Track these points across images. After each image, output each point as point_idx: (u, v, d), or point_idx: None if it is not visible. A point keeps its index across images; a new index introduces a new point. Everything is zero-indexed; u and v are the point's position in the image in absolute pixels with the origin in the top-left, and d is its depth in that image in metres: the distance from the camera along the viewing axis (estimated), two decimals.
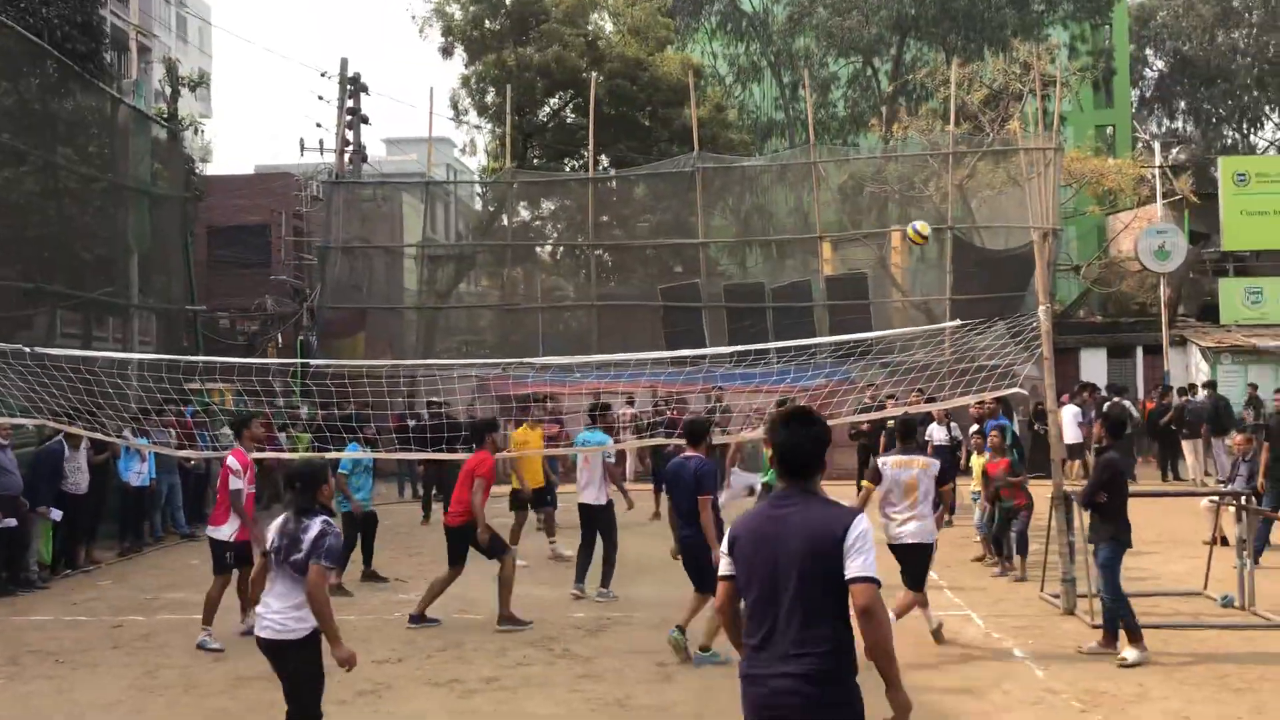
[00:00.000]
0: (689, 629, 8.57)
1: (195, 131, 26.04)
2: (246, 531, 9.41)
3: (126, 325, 17.89)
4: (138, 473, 14.50)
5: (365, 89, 28.99)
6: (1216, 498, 11.99)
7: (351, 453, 12.27)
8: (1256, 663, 8.22)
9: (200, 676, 8.40)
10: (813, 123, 26.86)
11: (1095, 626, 9.28)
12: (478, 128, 34.63)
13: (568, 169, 30.10)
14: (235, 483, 9.41)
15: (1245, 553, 9.96)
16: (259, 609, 5.86)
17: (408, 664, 8.64)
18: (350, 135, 28.76)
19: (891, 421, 17.29)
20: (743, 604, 4.19)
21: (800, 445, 4.16)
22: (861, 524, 3.96)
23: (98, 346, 16.66)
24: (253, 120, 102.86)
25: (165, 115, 18.97)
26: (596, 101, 25.79)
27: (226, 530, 9.44)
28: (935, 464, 9.12)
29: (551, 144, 30.53)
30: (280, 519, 5.93)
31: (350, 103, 28.39)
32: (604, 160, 29.33)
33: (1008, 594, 10.92)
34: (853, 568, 3.90)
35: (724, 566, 4.22)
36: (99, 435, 12.31)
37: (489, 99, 30.39)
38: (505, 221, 27.79)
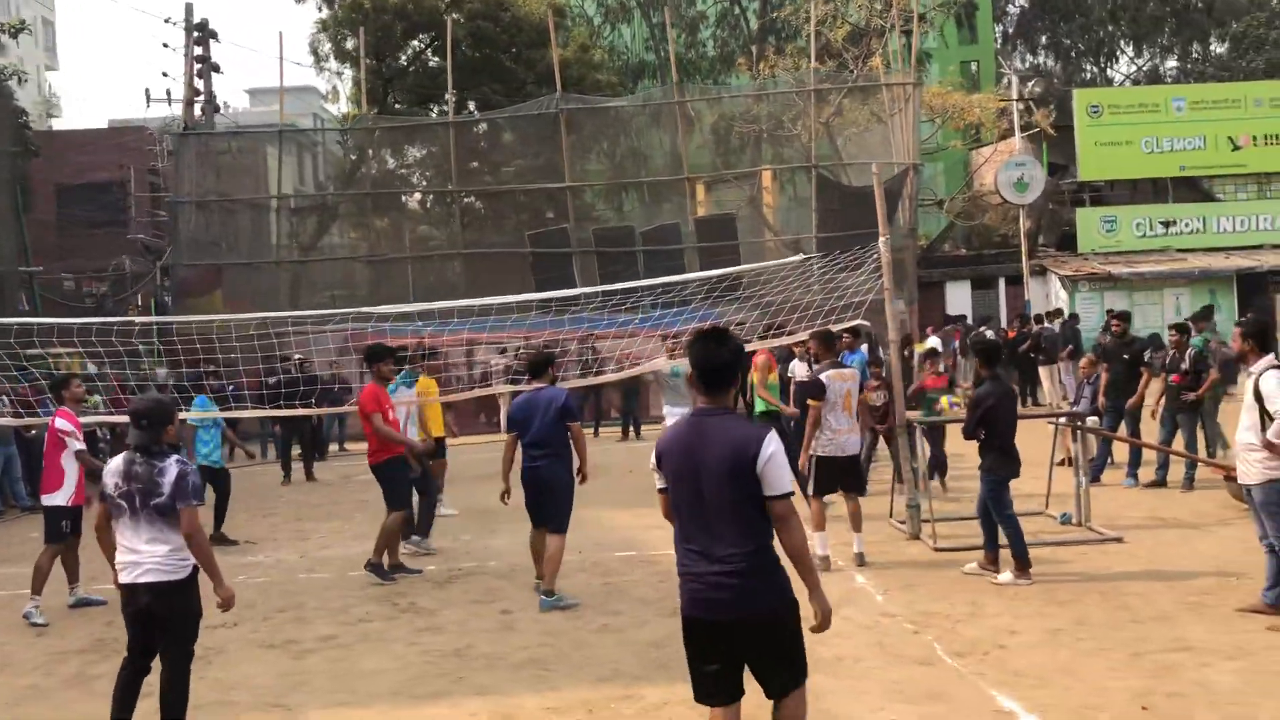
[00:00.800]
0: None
1: (20, 82, 24.50)
2: (83, 496, 9.11)
3: None
4: None
5: (214, 35, 27.81)
6: (1064, 419, 12.29)
7: (200, 409, 11.93)
8: (1084, 579, 8.45)
9: (17, 654, 7.98)
10: (676, 62, 26.63)
11: (938, 550, 9.49)
12: (339, 74, 33.68)
13: (434, 115, 29.35)
14: (75, 444, 9.12)
15: (1082, 471, 10.24)
16: (126, 556, 5.60)
17: (243, 627, 8.34)
18: (201, 84, 27.55)
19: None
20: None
21: (716, 360, 4.50)
22: (773, 443, 4.33)
23: None
24: (105, 72, 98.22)
25: None
26: (456, 43, 25.13)
27: (62, 496, 9.12)
28: (857, 374, 9.94)
29: (414, 88, 29.72)
30: (120, 461, 5.69)
31: (199, 50, 27.15)
32: (471, 106, 28.67)
33: None
34: (768, 486, 4.32)
35: (658, 480, 4.60)
36: None
37: (348, 44, 29.43)
38: (369, 170, 27.05)
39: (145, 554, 5.57)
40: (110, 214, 29.95)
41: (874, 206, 10.05)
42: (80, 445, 9.17)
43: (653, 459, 4.62)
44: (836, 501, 9.81)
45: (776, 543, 4.42)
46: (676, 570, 4.52)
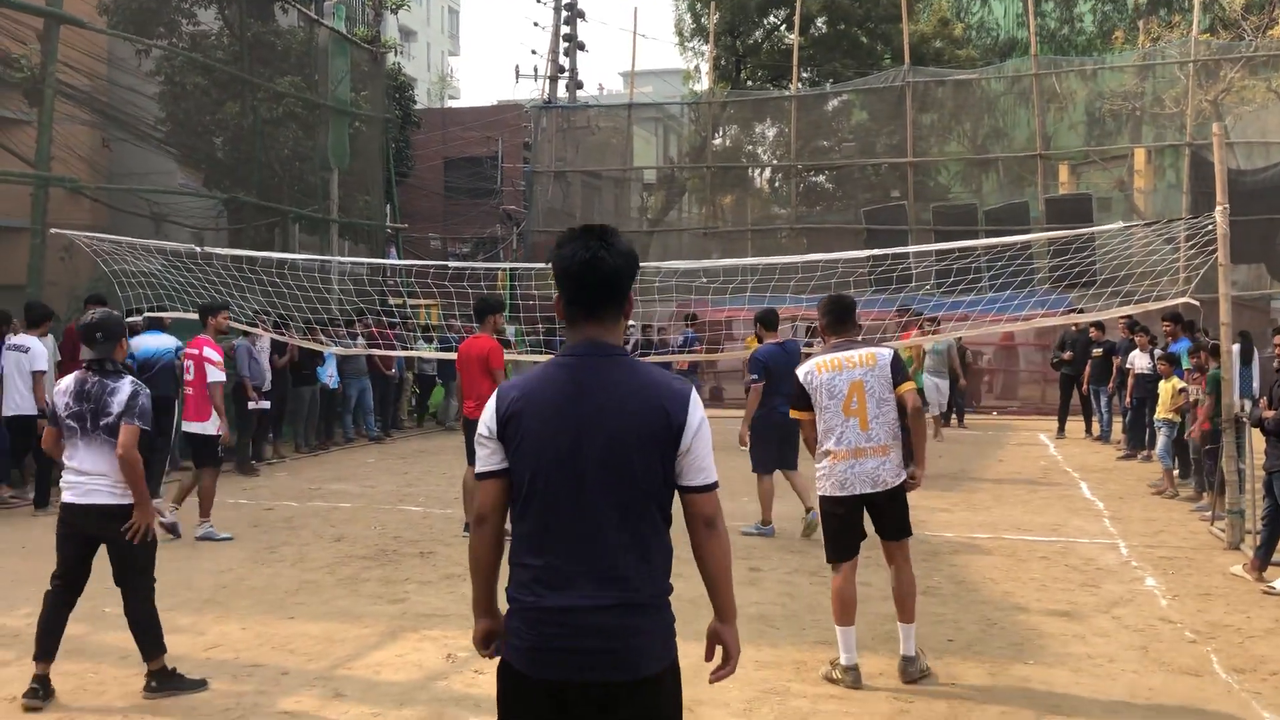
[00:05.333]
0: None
1: (397, 53, 26.93)
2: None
3: (325, 241, 18.90)
4: (330, 375, 15.40)
5: (582, 15, 29.23)
6: None
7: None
8: None
9: (312, 553, 8.81)
10: (1046, 37, 24.94)
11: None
12: (700, 53, 34.44)
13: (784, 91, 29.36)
14: (216, 374, 9.38)
15: None
16: (73, 477, 5.40)
17: None
18: (566, 62, 29.10)
19: (1098, 350, 16.09)
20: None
21: (604, 268, 2.89)
22: (699, 404, 2.90)
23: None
24: (498, 55, 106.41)
25: (367, 39, 19.70)
26: (810, 18, 24.90)
27: (212, 425, 9.36)
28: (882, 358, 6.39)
29: (766, 65, 29.79)
30: (71, 380, 5.49)
31: (565, 29, 28.66)
32: (828, 86, 28.37)
33: (1173, 525, 9.89)
34: (695, 467, 2.87)
35: (488, 457, 2.92)
36: (287, 339, 13.18)
37: (705, 21, 30.01)
38: (716, 144, 27.46)
39: (91, 475, 5.35)
40: (485, 185, 32.56)
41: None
42: (222, 376, 9.44)
43: (488, 419, 2.91)
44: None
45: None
46: (508, 601, 2.91)
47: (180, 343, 11.87)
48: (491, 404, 2.95)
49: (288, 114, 18.28)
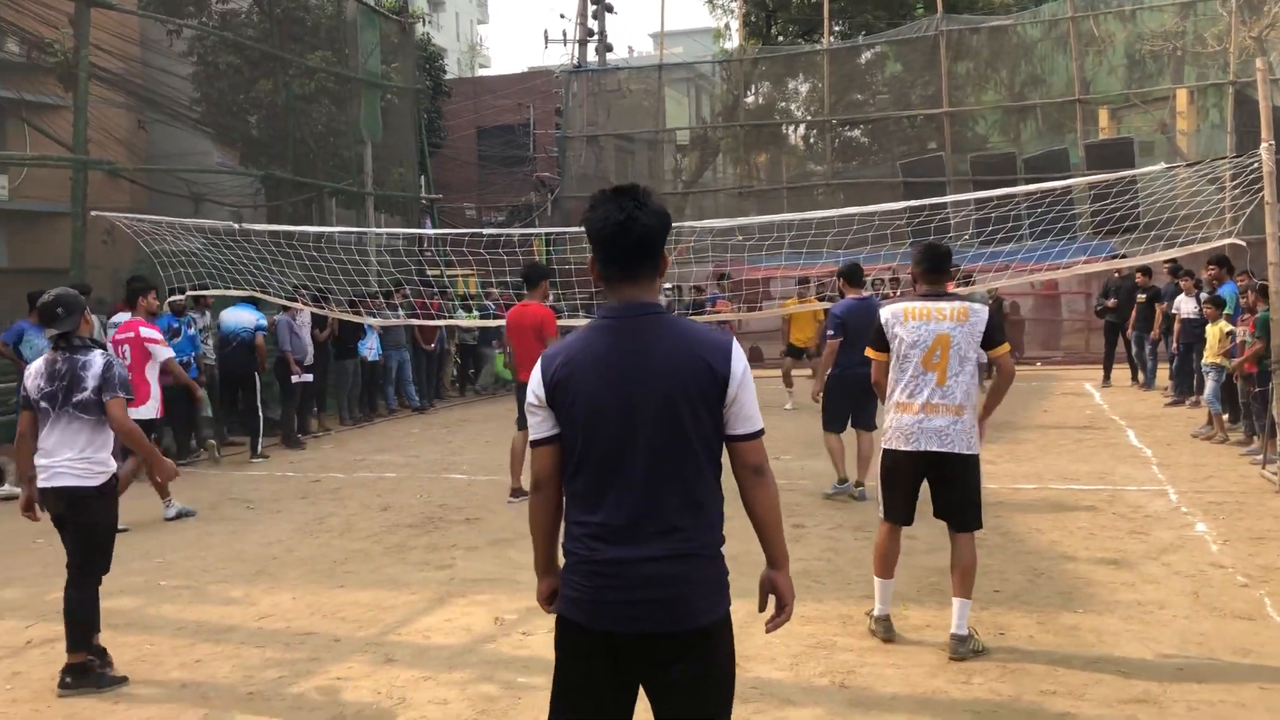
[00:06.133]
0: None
1: (425, 23, 26.87)
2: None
3: (361, 214, 19.00)
4: (370, 348, 15.52)
5: None
6: None
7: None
8: None
9: (359, 523, 8.91)
10: None
11: None
12: (729, 10, 34.05)
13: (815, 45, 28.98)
14: (163, 350, 9.11)
15: None
16: (41, 460, 5.28)
17: None
18: (595, 25, 28.90)
19: (1142, 296, 15.85)
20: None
21: (638, 229, 2.88)
22: (742, 354, 2.93)
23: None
24: (528, 22, 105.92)
25: (395, 10, 19.68)
26: None
27: (150, 410, 8.94)
28: (971, 312, 5.66)
29: (797, 19, 29.40)
30: (40, 363, 5.37)
31: None
32: (860, 39, 27.95)
33: (1223, 470, 9.77)
34: (742, 416, 2.90)
35: (539, 424, 2.97)
36: (329, 312, 13.28)
37: None
38: (749, 102, 27.20)
39: (56, 457, 5.23)
40: (521, 154, 32.53)
41: None
42: (169, 351, 9.23)
43: (536, 388, 2.95)
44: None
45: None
46: (565, 556, 2.97)
47: (263, 320, 12.24)
48: (537, 372, 2.97)
49: (319, 89, 18.34)
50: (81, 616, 5.23)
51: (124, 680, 5.29)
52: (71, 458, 5.22)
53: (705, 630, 2.87)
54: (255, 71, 18.26)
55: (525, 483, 9.59)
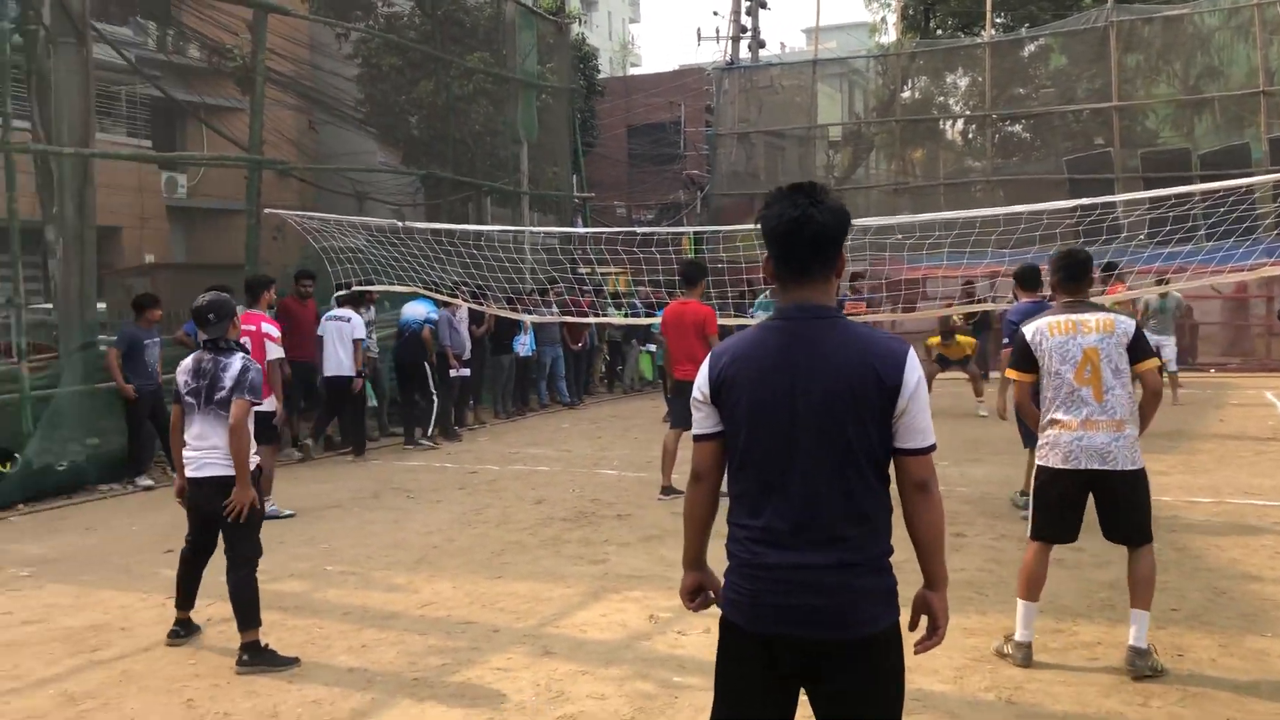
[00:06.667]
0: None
1: (581, 23, 27.15)
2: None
3: (516, 213, 19.34)
4: (523, 343, 15.80)
5: None
6: None
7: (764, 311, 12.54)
8: None
9: (515, 515, 9.06)
10: None
11: None
12: (888, 4, 33.45)
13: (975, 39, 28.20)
14: (275, 350, 9.06)
15: None
16: (189, 452, 5.63)
17: None
18: (748, 22, 28.75)
19: None
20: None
21: (813, 227, 2.79)
22: (917, 364, 2.79)
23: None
24: (682, 19, 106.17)
25: (551, 10, 19.98)
26: None
27: (269, 403, 8.56)
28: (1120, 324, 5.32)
29: (957, 12, 28.65)
30: (190, 360, 5.75)
31: None
32: (1023, 31, 27.07)
33: None
34: (911, 430, 2.78)
35: (702, 420, 2.95)
36: (485, 309, 13.59)
37: None
38: (905, 96, 26.64)
39: (204, 449, 5.57)
40: (668, 150, 32.65)
41: None
42: (280, 352, 9.11)
43: (702, 384, 2.92)
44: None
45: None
46: (728, 558, 2.91)
47: (434, 314, 12.72)
48: (704, 368, 2.94)
49: (477, 90, 18.74)
50: (243, 598, 5.50)
51: (296, 661, 5.49)
52: (216, 447, 5.56)
53: (869, 640, 2.77)
54: (416, 73, 18.78)
55: (676, 481, 9.64)
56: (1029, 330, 5.38)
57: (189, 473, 5.63)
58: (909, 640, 2.92)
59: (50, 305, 12.62)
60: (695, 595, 3.08)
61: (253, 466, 5.65)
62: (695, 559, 3.10)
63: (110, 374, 10.68)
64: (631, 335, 18.92)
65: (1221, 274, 13.05)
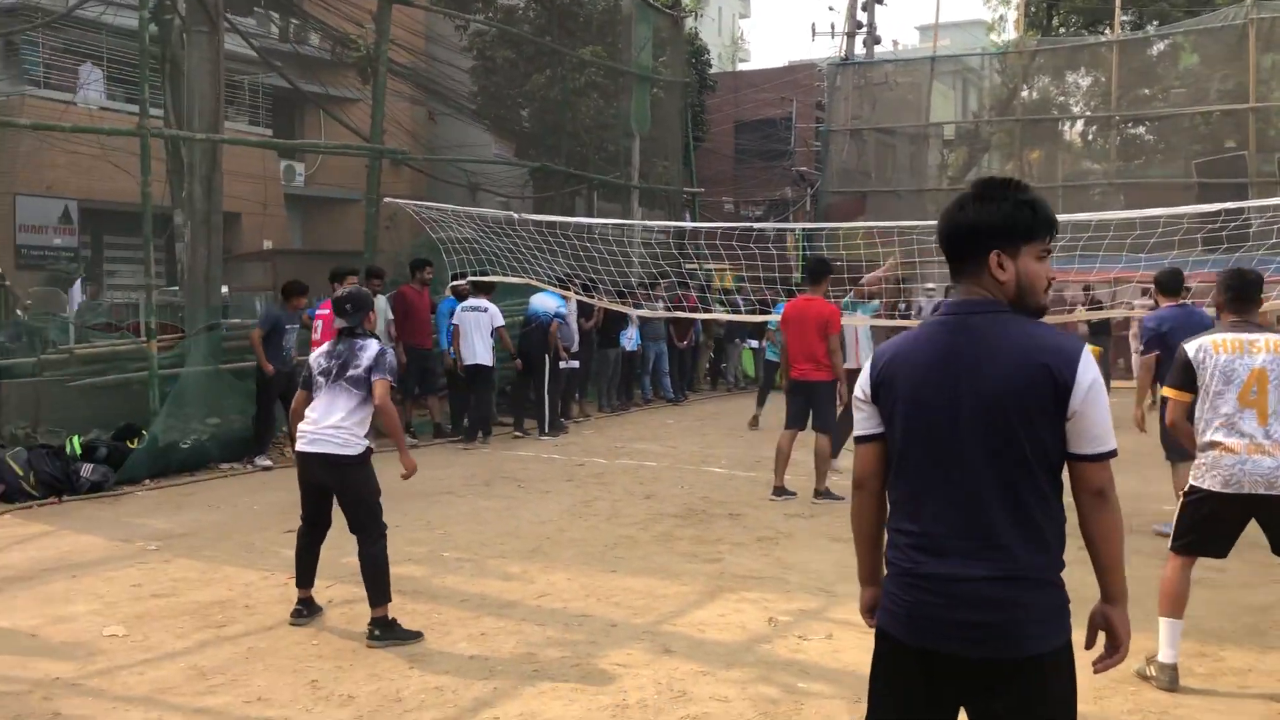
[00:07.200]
0: None
1: (696, 18, 27.01)
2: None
3: (625, 207, 19.33)
4: (629, 338, 15.77)
5: None
6: None
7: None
8: None
9: (625, 509, 9.01)
10: None
11: None
12: (1008, 1, 32.69)
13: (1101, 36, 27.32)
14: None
15: None
16: (305, 426, 5.77)
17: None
18: (864, 18, 28.32)
19: None
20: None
21: (963, 219, 2.71)
22: (1092, 363, 2.60)
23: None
24: (792, 15, 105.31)
25: (667, 4, 19.89)
26: None
27: None
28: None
29: (1081, 10, 27.80)
30: (327, 344, 5.97)
31: None
32: (1151, 28, 26.15)
33: None
34: (1087, 434, 2.60)
35: (863, 421, 2.83)
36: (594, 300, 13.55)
37: None
38: (1024, 95, 25.94)
39: (319, 423, 5.69)
40: (781, 148, 32.36)
41: None
42: None
43: (864, 383, 2.81)
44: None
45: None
46: (886, 565, 2.78)
47: (563, 308, 12.83)
48: (867, 367, 2.83)
49: (589, 83, 18.77)
50: (372, 572, 5.62)
51: (419, 635, 5.62)
52: (332, 425, 5.66)
53: (1037, 660, 2.59)
54: (529, 66, 18.89)
55: (787, 482, 9.48)
56: (1191, 347, 5.13)
57: (300, 446, 5.78)
58: (1084, 660, 2.75)
59: (177, 288, 12.98)
60: (874, 611, 2.91)
61: (364, 449, 5.75)
62: (870, 574, 2.95)
63: (253, 351, 10.96)
64: (735, 333, 18.76)
65: None
